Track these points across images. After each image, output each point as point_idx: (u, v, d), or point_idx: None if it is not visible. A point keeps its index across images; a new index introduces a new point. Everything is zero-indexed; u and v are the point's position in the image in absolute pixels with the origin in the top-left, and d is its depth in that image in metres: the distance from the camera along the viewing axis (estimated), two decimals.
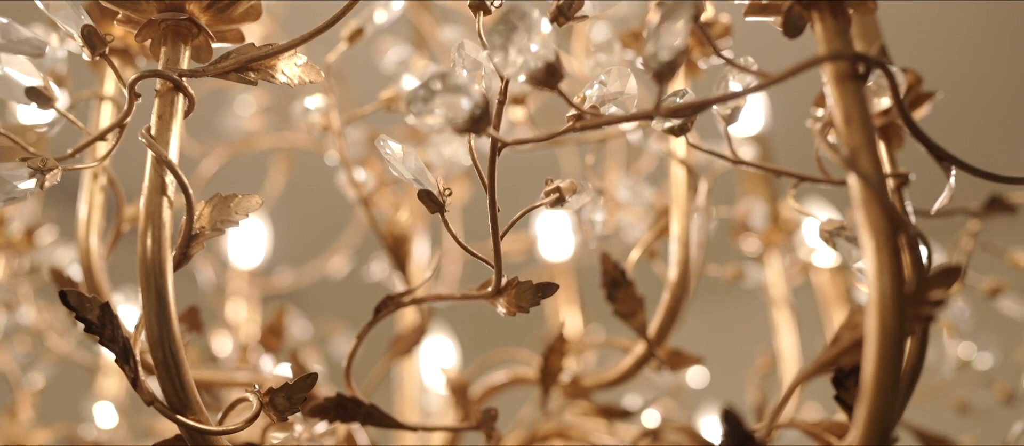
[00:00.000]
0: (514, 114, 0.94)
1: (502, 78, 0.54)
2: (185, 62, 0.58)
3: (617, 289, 0.80)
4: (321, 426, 0.71)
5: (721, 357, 1.40)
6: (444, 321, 1.68)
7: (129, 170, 0.74)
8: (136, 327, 0.56)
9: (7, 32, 0.54)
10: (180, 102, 0.56)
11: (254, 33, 0.60)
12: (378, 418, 0.70)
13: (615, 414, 0.96)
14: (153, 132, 0.55)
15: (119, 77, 0.60)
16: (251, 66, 0.58)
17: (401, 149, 0.59)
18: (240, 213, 0.58)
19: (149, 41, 0.58)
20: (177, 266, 0.55)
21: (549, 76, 0.49)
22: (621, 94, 0.57)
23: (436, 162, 0.89)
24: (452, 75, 0.47)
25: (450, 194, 0.59)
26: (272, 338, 1.00)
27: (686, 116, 0.56)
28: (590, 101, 0.57)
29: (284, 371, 0.95)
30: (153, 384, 0.55)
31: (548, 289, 0.60)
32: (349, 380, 0.69)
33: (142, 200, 0.54)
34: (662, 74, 0.46)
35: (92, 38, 0.58)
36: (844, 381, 0.57)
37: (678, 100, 0.57)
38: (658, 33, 0.46)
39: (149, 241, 0.53)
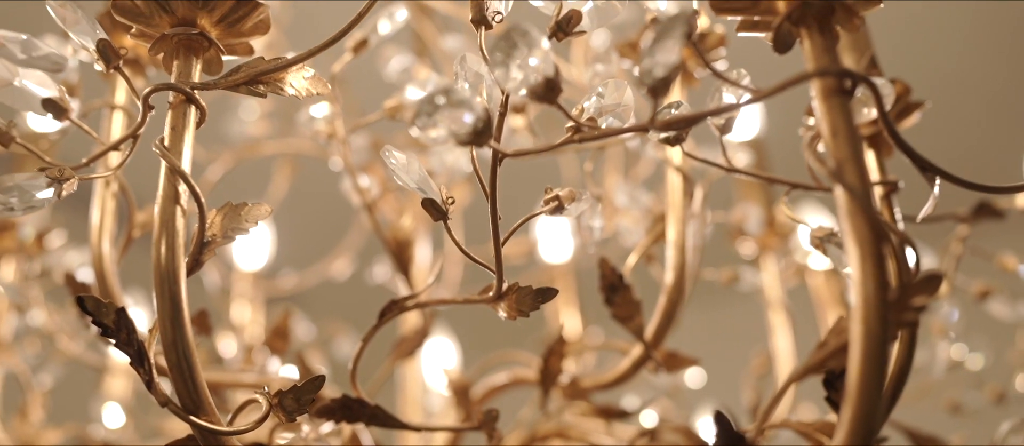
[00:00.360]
0: (514, 121, 0.96)
1: (503, 91, 0.56)
2: (197, 75, 0.59)
3: (615, 293, 0.81)
4: (327, 426, 0.73)
5: (718, 358, 1.41)
6: (446, 323, 1.70)
7: (138, 176, 0.76)
8: (150, 331, 0.58)
9: (28, 48, 0.56)
10: (192, 114, 0.58)
11: (259, 39, 0.62)
12: (383, 419, 0.71)
13: (613, 414, 0.98)
14: (166, 143, 0.57)
15: (132, 88, 0.62)
16: (260, 79, 0.60)
17: (405, 159, 0.61)
18: (250, 221, 0.60)
19: (161, 54, 0.60)
20: (190, 273, 0.57)
21: (548, 91, 0.51)
22: (618, 106, 0.59)
23: (438, 169, 0.91)
24: (455, 91, 0.49)
25: (453, 202, 0.61)
26: (278, 340, 1.02)
27: (680, 129, 0.58)
28: (588, 113, 0.59)
29: (290, 373, 0.97)
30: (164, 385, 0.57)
31: (548, 294, 0.62)
32: (355, 382, 0.71)
33: (156, 209, 0.56)
34: (657, 90, 0.48)
35: (107, 52, 0.60)
36: (835, 383, 0.59)
37: (674, 111, 0.59)
38: (652, 51, 0.48)
39: (163, 249, 0.55)
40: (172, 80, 0.58)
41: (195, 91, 0.58)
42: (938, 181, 0.58)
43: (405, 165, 0.61)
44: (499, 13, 0.61)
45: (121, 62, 0.60)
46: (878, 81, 0.61)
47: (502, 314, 0.63)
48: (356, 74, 1.30)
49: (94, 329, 0.56)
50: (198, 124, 0.59)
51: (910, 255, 0.61)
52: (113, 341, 0.56)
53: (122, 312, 0.56)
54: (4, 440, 1.11)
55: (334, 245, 1.68)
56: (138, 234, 0.83)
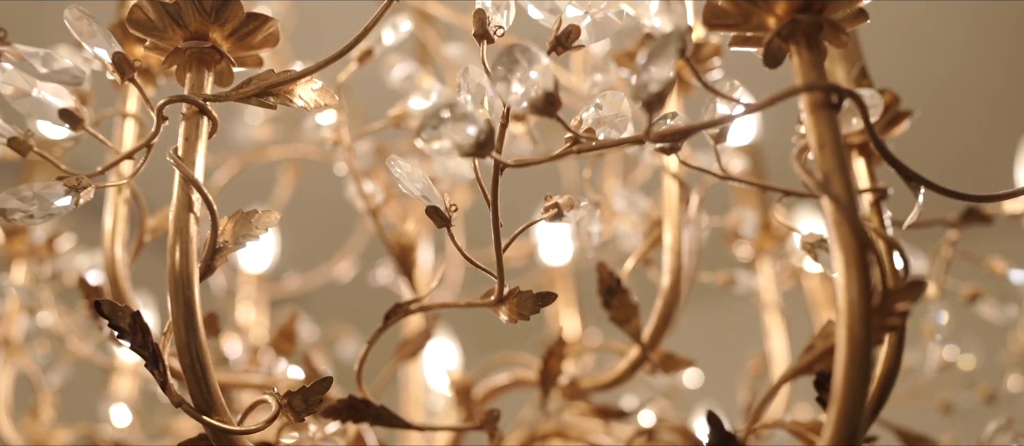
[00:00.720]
0: (514, 127, 0.98)
1: (504, 104, 0.58)
2: (209, 86, 0.61)
3: (612, 296, 0.83)
4: (333, 426, 0.75)
5: (714, 359, 1.44)
6: (448, 325, 1.72)
7: (149, 182, 0.78)
8: (164, 333, 0.60)
9: (48, 62, 0.58)
10: (204, 124, 0.60)
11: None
12: (387, 419, 0.73)
13: (612, 414, 0.99)
14: (180, 153, 0.59)
15: (145, 99, 0.64)
16: (271, 91, 0.62)
17: (409, 168, 0.63)
18: (260, 228, 0.62)
19: (174, 67, 0.62)
20: (202, 278, 0.59)
21: (548, 105, 0.53)
22: (615, 116, 0.62)
23: (441, 175, 0.93)
24: (459, 104, 0.51)
25: (455, 210, 0.63)
26: (284, 341, 1.04)
27: (675, 141, 0.60)
28: (586, 124, 0.61)
29: (296, 373, 0.98)
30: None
31: (547, 298, 0.64)
32: (360, 383, 0.73)
33: (171, 216, 0.58)
34: (651, 104, 0.50)
35: (123, 64, 0.62)
36: (825, 384, 0.61)
37: (669, 122, 0.61)
38: (647, 67, 0.50)
39: (177, 255, 0.57)
40: (185, 92, 0.60)
41: (208, 103, 0.60)
42: (923, 190, 0.60)
43: (409, 174, 0.63)
44: (500, 27, 0.63)
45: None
46: (865, 93, 0.63)
47: (503, 317, 0.65)
48: (360, 81, 1.32)
49: (106, 331, 0.58)
50: (210, 134, 0.61)
51: (899, 260, 0.63)
52: (128, 343, 0.58)
53: (137, 316, 0.57)
54: (16, 439, 1.13)
55: (338, 248, 1.70)
56: (149, 239, 0.85)
